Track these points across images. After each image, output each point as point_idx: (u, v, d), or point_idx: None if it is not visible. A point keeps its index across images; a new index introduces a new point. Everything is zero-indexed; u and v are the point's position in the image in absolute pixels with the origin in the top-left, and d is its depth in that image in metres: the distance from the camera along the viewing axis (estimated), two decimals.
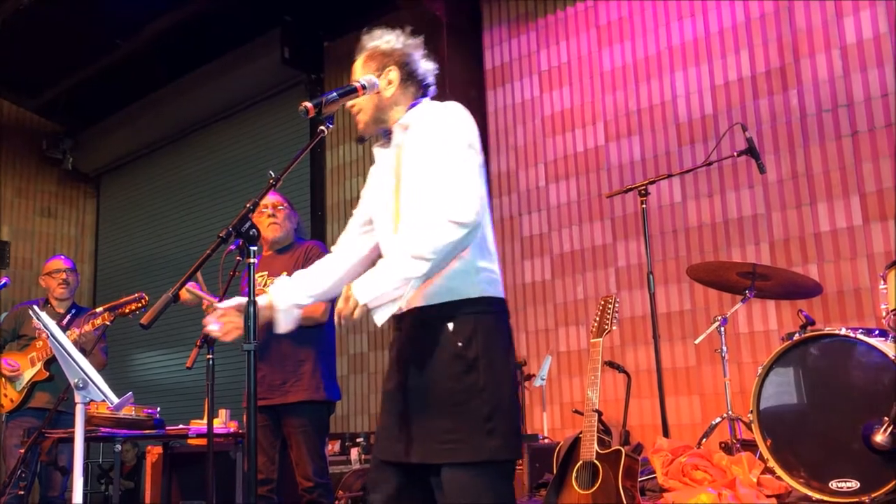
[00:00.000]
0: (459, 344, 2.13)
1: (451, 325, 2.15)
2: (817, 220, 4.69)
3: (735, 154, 4.26)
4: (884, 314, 3.34)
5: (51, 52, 7.72)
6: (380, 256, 2.30)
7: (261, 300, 2.31)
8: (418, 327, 2.20)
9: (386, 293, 2.03)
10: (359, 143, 2.34)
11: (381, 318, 2.05)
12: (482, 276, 2.20)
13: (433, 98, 2.41)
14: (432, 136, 2.20)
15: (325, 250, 3.78)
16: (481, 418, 2.09)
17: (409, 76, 2.36)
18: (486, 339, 2.15)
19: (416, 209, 2.17)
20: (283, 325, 2.36)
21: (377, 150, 2.42)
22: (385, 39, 2.39)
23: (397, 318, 2.26)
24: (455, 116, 2.22)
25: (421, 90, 2.39)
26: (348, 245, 2.46)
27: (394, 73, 2.34)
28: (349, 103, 2.35)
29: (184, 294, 3.50)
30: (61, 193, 9.47)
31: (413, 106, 2.35)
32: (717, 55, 5.20)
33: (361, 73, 2.36)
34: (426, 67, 2.41)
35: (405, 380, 2.21)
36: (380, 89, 2.33)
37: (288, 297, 2.36)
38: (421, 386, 2.17)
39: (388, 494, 2.22)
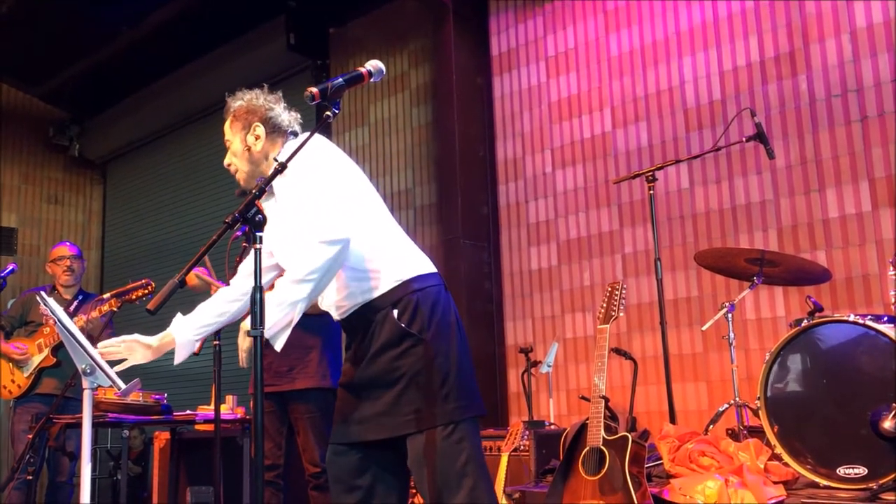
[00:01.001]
0: (403, 324, 2.30)
1: (394, 311, 2.32)
2: (826, 206, 4.66)
3: (743, 139, 4.23)
4: (893, 300, 3.31)
5: (57, 39, 7.71)
6: None
7: (158, 338, 2.62)
8: (364, 322, 2.36)
9: (278, 321, 2.23)
10: (239, 196, 2.47)
11: (279, 343, 2.28)
12: (400, 261, 2.39)
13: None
14: (293, 176, 2.35)
15: None
16: (436, 386, 2.27)
17: (275, 129, 2.55)
18: (428, 312, 2.33)
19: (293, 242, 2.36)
20: (181, 355, 2.62)
21: (265, 204, 2.54)
22: (247, 98, 2.58)
23: (343, 321, 2.46)
24: (308, 150, 2.35)
25: (287, 138, 2.56)
26: (241, 285, 2.64)
27: (260, 129, 2.52)
28: (226, 162, 2.56)
29: (192, 279, 3.52)
30: (68, 180, 9.48)
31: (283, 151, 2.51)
32: (725, 40, 5.16)
33: (230, 134, 2.56)
34: (290, 118, 2.59)
35: (362, 369, 2.36)
36: (249, 146, 2.51)
37: (185, 332, 2.62)
38: (377, 370, 2.32)
39: (350, 475, 2.37)
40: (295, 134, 2.59)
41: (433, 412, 2.25)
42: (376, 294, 2.35)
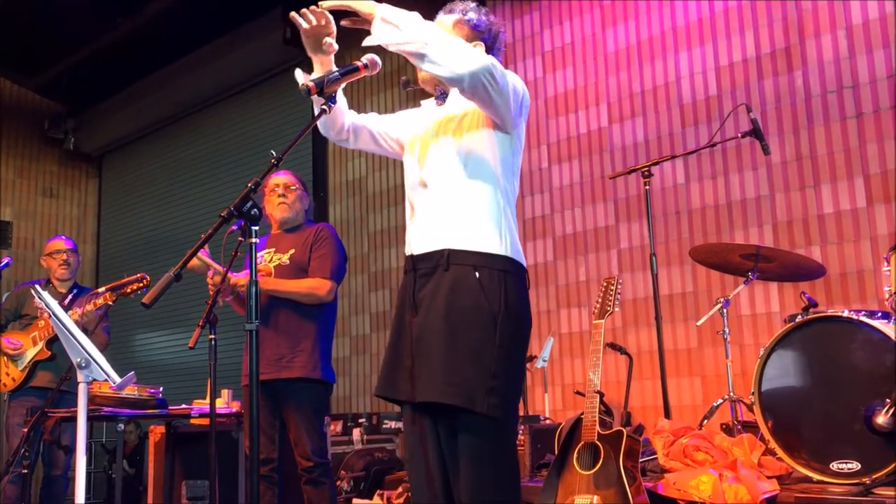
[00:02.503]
0: (484, 296, 2.18)
1: (477, 274, 2.20)
2: (821, 202, 4.67)
3: (739, 135, 4.24)
4: (887, 296, 3.33)
5: (52, 31, 7.68)
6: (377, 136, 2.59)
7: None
8: (442, 270, 2.24)
9: (412, 36, 2.15)
10: (403, 87, 2.47)
11: (375, 37, 2.17)
12: (510, 237, 2.30)
13: None
14: None
15: (334, 232, 3.78)
16: (488, 373, 2.15)
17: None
18: (511, 299, 2.22)
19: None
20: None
21: (427, 103, 2.54)
22: (484, 17, 2.53)
23: (416, 260, 2.33)
24: (518, 85, 2.37)
25: None
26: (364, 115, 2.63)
27: (480, 49, 2.45)
28: None
29: (192, 261, 3.52)
30: (63, 174, 9.45)
31: None
32: (721, 35, 5.16)
33: (451, 31, 2.48)
34: (500, 57, 2.54)
35: (422, 317, 2.25)
36: None
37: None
38: (438, 327, 2.20)
39: (418, 438, 2.30)
40: None
41: (471, 395, 2.12)
42: (470, 248, 2.24)
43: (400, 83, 2.50)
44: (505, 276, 2.22)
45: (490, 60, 2.21)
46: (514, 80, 2.34)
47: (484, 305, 2.18)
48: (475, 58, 2.18)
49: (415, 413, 2.30)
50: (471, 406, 2.13)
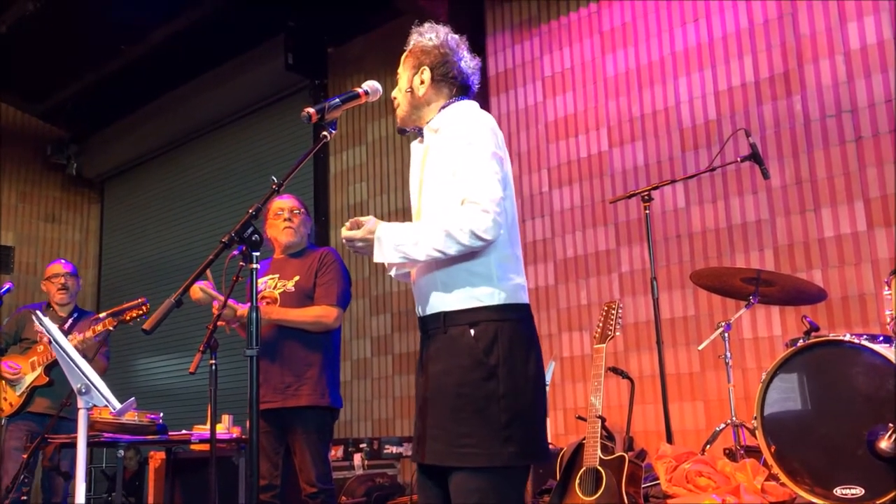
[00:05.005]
0: (480, 351, 2.14)
1: (472, 332, 2.16)
2: (821, 226, 4.68)
3: (739, 159, 4.26)
4: (888, 320, 3.33)
5: (55, 58, 7.75)
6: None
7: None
8: (441, 332, 2.22)
9: (412, 252, 2.14)
10: (400, 133, 2.44)
11: (381, 258, 2.18)
12: (505, 283, 2.22)
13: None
14: (455, 145, 2.23)
15: (338, 257, 3.77)
16: (499, 425, 2.10)
17: (443, 77, 2.36)
18: (507, 347, 2.16)
19: (442, 209, 2.22)
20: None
21: (413, 146, 2.47)
22: (427, 37, 2.40)
23: (422, 321, 2.31)
24: (478, 126, 2.24)
25: (457, 90, 2.39)
26: None
27: (426, 74, 2.36)
28: (392, 95, 2.42)
29: (196, 293, 3.51)
30: (66, 199, 9.49)
31: (446, 106, 2.36)
32: (720, 60, 5.19)
33: (402, 68, 2.42)
34: (465, 67, 2.39)
35: (427, 384, 2.24)
36: (413, 88, 2.37)
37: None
38: (441, 390, 2.18)
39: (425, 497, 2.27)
40: (467, 91, 2.40)
41: (489, 452, 2.08)
42: (464, 306, 2.19)
43: (397, 129, 2.49)
44: (500, 325, 2.17)
45: (475, 225, 2.11)
46: (498, 156, 2.27)
47: (481, 361, 2.14)
48: (464, 236, 2.12)
49: (424, 472, 2.27)
50: (489, 463, 2.09)
